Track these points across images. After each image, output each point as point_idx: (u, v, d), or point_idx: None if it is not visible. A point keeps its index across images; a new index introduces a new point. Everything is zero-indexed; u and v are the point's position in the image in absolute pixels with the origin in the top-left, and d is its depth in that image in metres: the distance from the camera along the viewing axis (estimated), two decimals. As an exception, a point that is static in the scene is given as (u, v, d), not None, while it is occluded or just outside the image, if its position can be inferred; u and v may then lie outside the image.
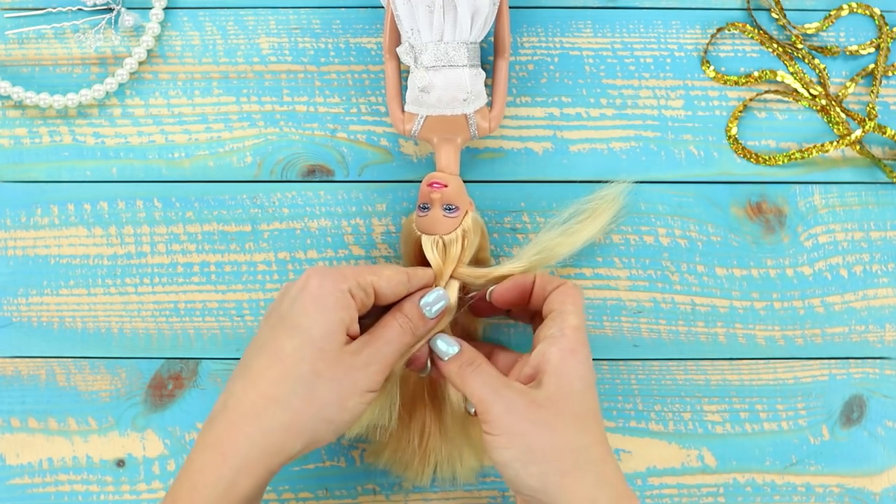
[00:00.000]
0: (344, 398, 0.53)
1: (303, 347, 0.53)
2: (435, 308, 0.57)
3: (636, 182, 0.64)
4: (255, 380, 0.53)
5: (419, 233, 0.60)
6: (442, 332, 0.58)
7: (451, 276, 0.60)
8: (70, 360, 0.64)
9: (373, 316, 0.57)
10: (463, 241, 0.60)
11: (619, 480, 0.53)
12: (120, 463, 0.64)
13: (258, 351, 0.54)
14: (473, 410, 0.58)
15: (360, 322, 0.56)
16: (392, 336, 0.55)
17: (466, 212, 0.60)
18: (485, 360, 0.56)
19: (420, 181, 0.63)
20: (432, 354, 0.58)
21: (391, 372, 0.57)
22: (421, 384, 0.62)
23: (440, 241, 0.59)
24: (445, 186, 0.59)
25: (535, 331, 0.58)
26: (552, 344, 0.54)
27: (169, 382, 0.64)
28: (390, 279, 0.56)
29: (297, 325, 0.53)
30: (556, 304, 0.56)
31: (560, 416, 0.53)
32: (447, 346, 0.57)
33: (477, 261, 0.62)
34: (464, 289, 0.61)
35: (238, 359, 0.63)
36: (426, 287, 0.58)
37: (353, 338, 0.55)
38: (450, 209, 0.60)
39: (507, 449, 0.53)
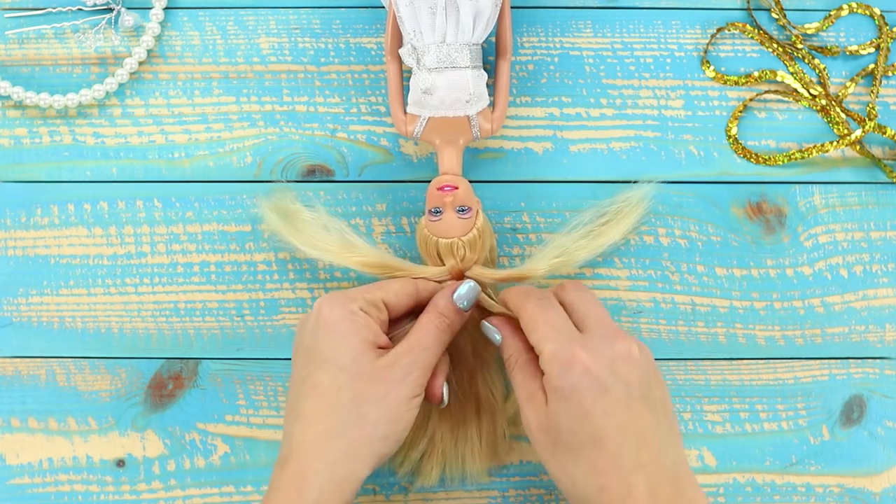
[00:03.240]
0: (392, 411, 0.55)
1: (337, 377, 0.55)
2: (468, 301, 0.58)
3: (637, 181, 0.64)
4: (308, 419, 0.55)
5: (435, 237, 0.60)
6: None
7: (470, 278, 0.60)
8: (70, 360, 0.64)
9: (408, 319, 0.59)
10: (480, 240, 0.60)
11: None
12: (120, 463, 0.64)
13: (300, 390, 0.56)
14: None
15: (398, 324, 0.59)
16: (430, 341, 0.57)
17: (477, 211, 0.60)
18: (520, 359, 0.57)
19: (420, 181, 0.63)
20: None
21: None
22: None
23: (460, 244, 0.59)
24: (457, 188, 0.59)
25: None
26: (545, 382, 0.54)
27: (169, 382, 0.64)
28: (398, 292, 0.58)
29: (325, 358, 0.55)
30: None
31: (566, 449, 0.54)
32: (492, 333, 0.59)
33: (485, 260, 0.62)
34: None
35: (238, 359, 0.64)
36: (441, 283, 0.60)
37: (385, 348, 0.56)
38: (463, 210, 0.60)
39: (540, 453, 0.55)
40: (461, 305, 0.58)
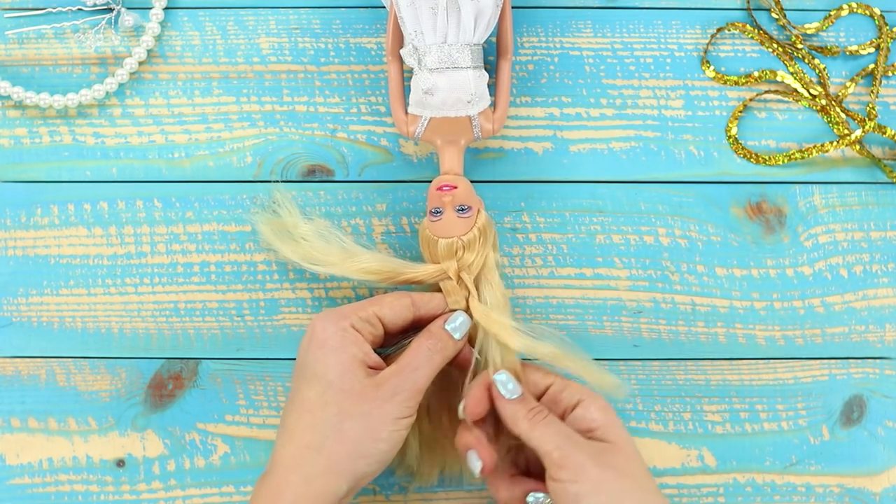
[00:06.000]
0: (375, 431, 0.55)
1: (325, 393, 0.55)
2: (460, 332, 0.58)
3: (636, 182, 0.64)
4: (291, 434, 0.56)
5: (436, 238, 0.60)
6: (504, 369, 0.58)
7: (469, 305, 0.59)
8: (70, 360, 0.64)
9: (406, 336, 0.59)
10: (480, 239, 0.60)
11: None
12: (120, 463, 0.64)
13: (289, 406, 0.57)
14: (462, 411, 0.58)
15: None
16: (420, 361, 0.56)
17: (479, 210, 0.60)
18: (549, 411, 0.57)
19: (421, 181, 0.63)
20: (492, 388, 0.57)
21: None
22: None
23: (459, 243, 0.59)
24: (455, 188, 0.59)
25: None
26: (586, 408, 0.56)
27: (169, 382, 0.64)
28: (392, 305, 0.58)
29: (315, 374, 0.55)
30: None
31: (629, 462, 0.55)
32: (513, 384, 0.57)
33: (487, 261, 0.61)
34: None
35: (238, 359, 0.64)
36: (438, 307, 0.59)
37: (377, 368, 0.56)
38: (462, 209, 0.59)
39: (596, 495, 0.54)
40: (455, 336, 0.58)
